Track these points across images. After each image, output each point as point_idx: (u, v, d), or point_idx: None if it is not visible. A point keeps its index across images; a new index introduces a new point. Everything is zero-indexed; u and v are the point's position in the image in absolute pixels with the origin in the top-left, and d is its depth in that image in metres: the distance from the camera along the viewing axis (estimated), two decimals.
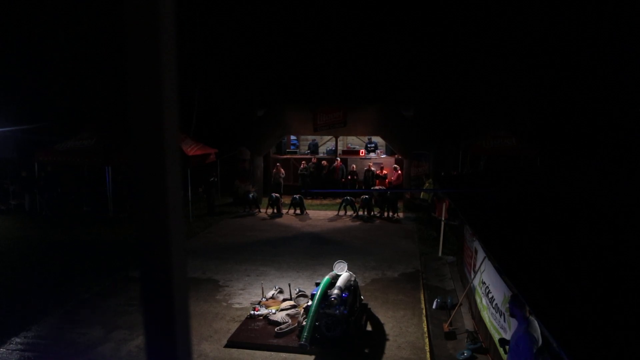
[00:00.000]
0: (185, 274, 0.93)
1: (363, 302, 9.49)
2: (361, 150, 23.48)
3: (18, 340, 8.47)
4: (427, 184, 18.70)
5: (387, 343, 8.30)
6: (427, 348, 8.11)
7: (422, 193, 18.64)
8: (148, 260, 0.89)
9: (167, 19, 0.83)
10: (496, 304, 7.40)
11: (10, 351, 8.10)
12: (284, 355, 7.92)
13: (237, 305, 9.92)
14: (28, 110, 24.10)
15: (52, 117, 23.64)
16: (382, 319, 9.21)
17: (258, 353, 7.97)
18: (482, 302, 8.43)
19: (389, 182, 20.72)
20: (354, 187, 20.67)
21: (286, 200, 20.61)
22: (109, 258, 13.20)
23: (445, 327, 8.69)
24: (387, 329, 8.85)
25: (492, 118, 23.76)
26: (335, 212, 18.98)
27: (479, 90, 25.34)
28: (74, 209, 19.16)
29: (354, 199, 19.01)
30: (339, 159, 22.22)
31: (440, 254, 13.21)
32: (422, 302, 10.10)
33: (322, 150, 24.77)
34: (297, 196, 19.19)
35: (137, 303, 10.05)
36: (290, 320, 8.75)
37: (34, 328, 8.91)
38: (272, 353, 7.97)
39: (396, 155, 22.07)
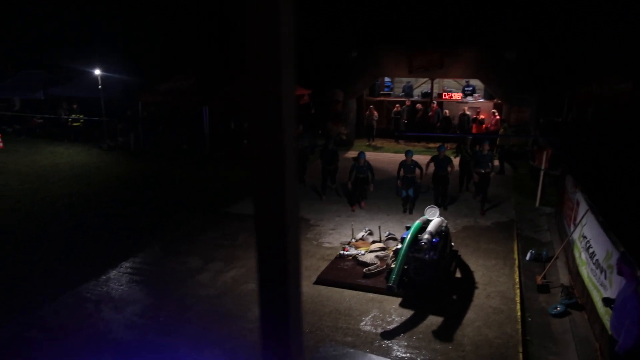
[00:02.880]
0: (297, 210, 0.98)
1: (453, 248, 9.44)
2: (457, 94, 22.57)
3: (127, 264, 9.41)
4: (501, 130, 17.77)
5: (476, 291, 8.27)
6: (518, 299, 7.98)
7: (498, 140, 17.81)
8: (263, 196, 0.95)
9: None
10: (597, 260, 7.06)
11: (121, 274, 9.04)
12: (371, 295, 8.16)
13: (327, 245, 10.25)
14: (133, 55, 25.46)
15: (155, 61, 24.86)
16: (472, 267, 9.13)
17: (346, 292, 8.27)
18: (580, 256, 8.08)
19: (486, 128, 19.87)
20: (448, 131, 20.04)
21: (378, 143, 20.58)
22: (207, 194, 14.04)
23: (539, 279, 8.47)
24: (477, 277, 8.78)
25: (605, 61, 21.66)
26: (428, 156, 18.57)
27: (590, 29, 23.04)
28: (174, 146, 20.34)
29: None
30: (434, 102, 21.57)
31: (537, 204, 12.68)
32: (515, 252, 9.86)
33: (416, 92, 24.10)
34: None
35: (232, 238, 10.71)
36: (379, 262, 8.94)
37: (140, 255, 9.83)
38: (360, 293, 8.23)
39: (495, 100, 21.02)
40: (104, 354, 6.60)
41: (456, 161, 13.64)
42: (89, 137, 21.52)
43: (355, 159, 12.67)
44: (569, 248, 9.08)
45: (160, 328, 7.25)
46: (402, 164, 12.14)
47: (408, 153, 12.23)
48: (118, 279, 8.84)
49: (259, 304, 1.03)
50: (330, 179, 13.86)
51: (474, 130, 19.67)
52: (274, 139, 0.92)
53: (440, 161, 12.15)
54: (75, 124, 22.22)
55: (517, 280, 8.67)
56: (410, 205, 12.32)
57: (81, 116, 22.15)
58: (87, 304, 7.93)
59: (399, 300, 7.92)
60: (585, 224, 8.04)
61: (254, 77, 0.91)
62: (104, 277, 8.83)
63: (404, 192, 12.13)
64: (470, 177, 13.36)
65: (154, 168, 17.35)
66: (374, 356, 6.51)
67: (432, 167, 12.36)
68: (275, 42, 0.88)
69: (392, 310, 7.68)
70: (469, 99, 22.33)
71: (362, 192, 12.74)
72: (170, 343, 6.84)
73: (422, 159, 18.58)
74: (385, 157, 19.07)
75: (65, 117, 22.20)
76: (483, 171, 12.20)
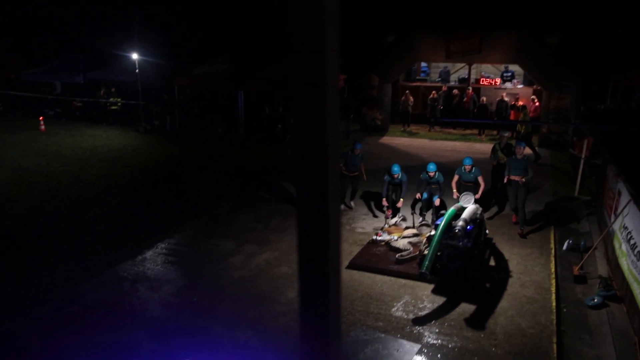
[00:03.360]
0: (338, 195, 0.97)
1: (488, 236, 9.30)
2: (496, 80, 22.05)
3: (162, 245, 9.62)
4: (521, 116, 17.27)
5: (510, 280, 8.14)
6: (553, 290, 7.83)
7: (517, 126, 17.34)
8: (306, 180, 0.95)
9: None
10: (639, 252, 6.84)
11: (156, 254, 9.25)
12: (403, 281, 8.13)
13: (359, 230, 10.24)
14: (170, 40, 25.74)
15: (191, 46, 25.08)
16: (507, 255, 8.98)
17: (378, 277, 8.26)
18: (621, 247, 7.84)
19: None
20: (485, 118, 19.60)
21: (413, 129, 20.36)
22: (241, 178, 14.17)
23: (576, 270, 8.27)
24: (511, 265, 8.64)
25: None
26: (464, 142, 18.30)
27: (638, 11, 22.05)
28: (209, 130, 20.58)
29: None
30: (470, 88, 21.14)
31: (576, 193, 12.33)
32: (552, 242, 9.64)
33: (453, 78, 23.65)
34: None
35: (265, 221, 10.81)
36: (411, 248, 8.88)
37: (175, 236, 10.03)
38: (392, 278, 8.21)
39: (534, 86, 20.45)
40: (140, 331, 6.79)
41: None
42: (126, 121, 21.97)
43: (351, 150, 11.32)
44: (608, 239, 8.82)
45: (194, 308, 7.41)
46: (460, 172, 10.45)
47: (466, 161, 10.40)
48: (154, 259, 9.06)
49: (299, 290, 1.02)
50: (352, 189, 11.46)
51: (511, 117, 19.21)
52: (318, 124, 0.91)
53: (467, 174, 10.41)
54: (113, 107, 22.72)
55: (553, 270, 8.49)
56: (425, 212, 10.74)
57: (119, 100, 22.62)
58: (124, 283, 8.15)
59: (431, 287, 7.87)
60: (627, 215, 7.78)
61: (297, 58, 0.90)
62: (140, 257, 9.06)
63: (425, 195, 10.36)
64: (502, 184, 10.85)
65: (189, 151, 17.61)
66: (404, 342, 6.51)
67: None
68: (319, 23, 0.87)
69: (424, 297, 7.64)
70: (508, 85, 21.80)
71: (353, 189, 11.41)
72: (203, 323, 6.99)
73: (457, 145, 18.32)
74: (420, 144, 18.88)
75: (104, 100, 22.71)
76: (517, 179, 9.96)
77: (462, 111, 20.65)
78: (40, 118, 21.05)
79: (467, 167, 10.29)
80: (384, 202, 10.52)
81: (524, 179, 9.89)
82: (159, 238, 9.87)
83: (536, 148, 16.64)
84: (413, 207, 10.68)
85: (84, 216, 11.14)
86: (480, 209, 8.98)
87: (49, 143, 18.25)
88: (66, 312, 7.31)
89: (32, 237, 10.02)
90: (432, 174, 10.14)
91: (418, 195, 10.56)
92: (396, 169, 10.40)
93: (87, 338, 6.64)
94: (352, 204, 11.57)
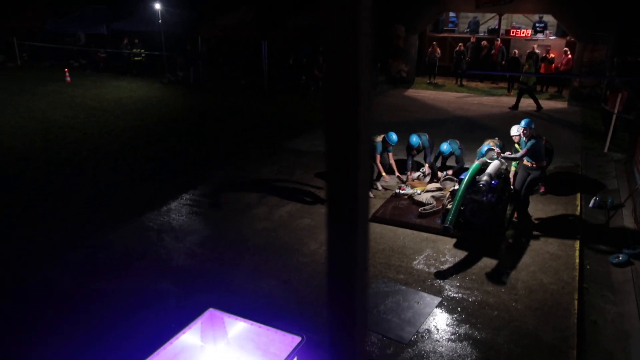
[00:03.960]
0: (368, 150, 0.94)
1: (512, 192, 9.17)
2: (527, 31, 21.24)
3: (187, 196, 9.76)
4: (526, 67, 16.66)
5: (534, 236, 8.07)
6: (577, 246, 7.75)
7: (521, 77, 16.87)
8: (336, 128, 0.92)
9: None
10: None
11: (181, 205, 9.41)
12: (425, 235, 8.14)
13: (382, 183, 10.20)
14: None
15: None
16: (531, 212, 8.88)
17: (400, 230, 8.29)
18: None
19: (556, 68, 18.73)
20: (515, 71, 18.95)
21: (440, 81, 19.92)
22: (264, 129, 14.16)
23: (603, 226, 8.15)
24: (535, 222, 8.55)
25: None
26: (492, 97, 17.88)
27: None
28: (233, 81, 20.45)
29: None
30: (499, 39, 20.43)
31: (606, 150, 12.03)
32: (578, 198, 9.49)
33: (482, 29, 22.86)
34: None
35: (288, 173, 10.85)
36: (435, 202, 8.85)
37: (199, 187, 10.16)
38: (414, 232, 8.23)
39: (568, 37, 19.65)
40: (166, 279, 6.99)
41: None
42: (150, 72, 21.97)
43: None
44: (637, 197, 8.64)
45: (218, 258, 7.57)
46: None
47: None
48: (178, 209, 9.22)
49: (327, 242, 1.01)
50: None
51: (542, 70, 18.60)
52: (349, 77, 0.88)
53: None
54: (137, 58, 22.70)
55: (578, 227, 8.39)
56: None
57: (142, 51, 22.55)
58: (150, 232, 8.35)
59: (454, 241, 7.87)
60: None
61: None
62: (165, 208, 9.23)
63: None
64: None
65: (212, 102, 17.60)
66: (425, 294, 6.57)
67: None
68: None
69: (446, 251, 7.66)
70: (539, 36, 21.00)
71: None
72: (227, 273, 7.15)
73: (483, 101, 17.91)
74: (446, 97, 18.50)
75: (128, 51, 22.68)
76: (529, 164, 8.48)
77: (490, 63, 20.05)
78: (66, 70, 21.18)
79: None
80: (404, 176, 10.01)
81: (534, 164, 8.42)
82: (184, 189, 10.01)
83: (539, 101, 16.52)
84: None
85: (109, 167, 11.33)
86: (506, 164, 8.83)
87: (75, 94, 18.42)
88: (95, 259, 7.55)
89: (61, 186, 10.27)
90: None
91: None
92: (414, 139, 9.88)
93: (115, 284, 6.88)
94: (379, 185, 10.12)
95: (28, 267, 7.31)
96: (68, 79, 20.60)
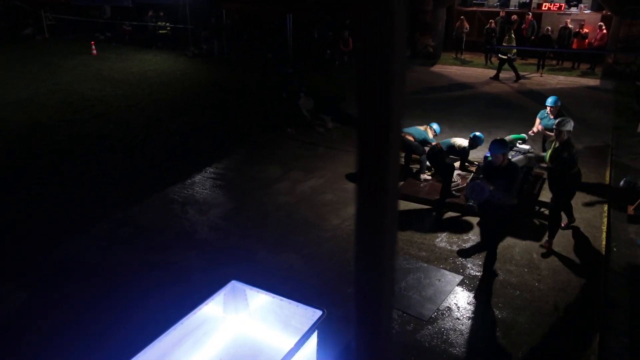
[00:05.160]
0: (400, 116, 0.91)
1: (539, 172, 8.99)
2: (560, 4, 20.54)
3: (211, 170, 9.84)
4: (506, 37, 16.21)
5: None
6: (604, 228, 7.60)
7: (502, 48, 16.57)
8: (369, 102, 0.89)
9: None
10: None
11: (205, 178, 9.49)
12: (448, 212, 8.08)
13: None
14: None
15: None
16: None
17: (423, 207, 8.23)
18: None
19: (589, 43, 18.12)
20: (547, 46, 18.36)
21: (467, 57, 19.50)
22: (288, 103, 14.08)
23: (630, 209, 7.96)
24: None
25: None
26: (522, 73, 17.41)
27: None
28: (258, 55, 20.33)
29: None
30: (530, 13, 19.81)
31: (639, 129, 11.67)
32: (607, 179, 9.26)
33: (513, 2, 22.16)
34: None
35: (312, 148, 10.82)
36: (459, 180, 8.73)
37: (223, 161, 10.22)
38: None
39: (604, 12, 18.95)
40: (189, 252, 7.10)
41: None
42: (175, 45, 21.98)
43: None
44: None
45: (241, 231, 7.64)
46: (542, 115, 8.50)
47: (550, 100, 8.31)
48: (202, 183, 9.30)
49: (356, 215, 0.99)
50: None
51: (574, 46, 18.02)
52: (383, 45, 0.84)
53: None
54: (161, 31, 22.71)
55: (606, 208, 8.21)
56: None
57: (167, 24, 22.54)
58: (174, 205, 8.45)
59: (477, 219, 7.78)
60: None
61: None
62: (189, 181, 9.32)
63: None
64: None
65: (237, 76, 17.57)
66: (447, 272, 6.55)
67: None
68: None
69: (469, 229, 7.59)
70: (573, 10, 20.28)
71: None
72: (250, 246, 7.22)
73: (512, 77, 17.47)
74: (473, 72, 18.13)
75: (152, 24, 22.69)
76: (545, 165, 7.56)
77: (519, 38, 19.49)
78: (92, 43, 21.32)
79: (550, 109, 8.27)
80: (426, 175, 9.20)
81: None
82: (207, 162, 10.08)
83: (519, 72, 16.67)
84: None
85: (135, 141, 11.45)
86: (529, 146, 8.64)
87: (101, 67, 18.56)
88: (120, 231, 7.69)
89: (86, 159, 10.44)
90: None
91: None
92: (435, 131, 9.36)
93: (139, 256, 7.00)
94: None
95: (52, 239, 7.48)
96: (94, 52, 20.75)
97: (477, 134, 8.51)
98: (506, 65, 16.57)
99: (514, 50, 16.26)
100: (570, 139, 6.79)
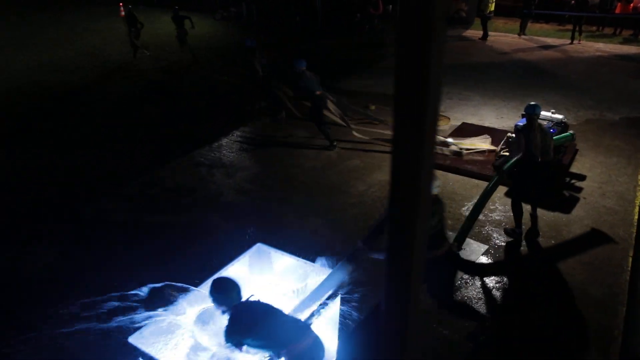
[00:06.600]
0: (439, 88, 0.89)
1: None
2: None
3: (238, 133, 9.92)
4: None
5: (590, 189, 7.75)
6: (637, 202, 7.41)
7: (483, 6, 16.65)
8: (407, 66, 0.87)
9: None
10: None
11: (232, 142, 9.56)
12: (476, 181, 7.98)
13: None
14: None
15: None
16: (589, 164, 8.50)
17: (450, 175, 8.14)
18: None
19: (634, 8, 17.25)
20: (586, 11, 17.61)
21: (500, 23, 18.88)
22: (316, 69, 13.92)
23: None
24: (594, 174, 8.19)
25: None
26: (558, 39, 16.82)
27: None
28: (287, 18, 20.05)
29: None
30: None
31: None
32: None
33: None
34: None
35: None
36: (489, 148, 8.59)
37: (250, 125, 10.27)
38: (464, 178, 8.08)
39: None
40: (215, 214, 7.20)
41: None
42: (203, 7, 21.82)
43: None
44: None
45: (267, 195, 7.70)
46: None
47: None
48: (229, 146, 9.36)
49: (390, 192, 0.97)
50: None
51: (617, 10, 17.21)
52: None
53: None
54: None
55: None
56: None
57: None
58: (201, 168, 8.54)
59: (505, 189, 7.67)
60: None
61: None
62: (216, 144, 9.38)
63: None
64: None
65: (263, 40, 17.40)
66: (472, 241, 6.51)
67: None
68: None
69: (496, 199, 7.49)
70: None
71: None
72: (275, 209, 7.28)
73: (549, 41, 16.89)
74: (506, 39, 17.58)
75: None
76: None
77: (557, 3, 18.73)
78: (120, 4, 21.30)
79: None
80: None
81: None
82: (235, 126, 10.13)
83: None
84: None
85: (162, 103, 11.54)
86: (562, 115, 8.41)
87: None
88: (148, 193, 7.83)
89: (114, 122, 10.58)
90: None
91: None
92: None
93: (166, 217, 7.14)
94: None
95: (81, 198, 7.67)
96: (122, 13, 20.75)
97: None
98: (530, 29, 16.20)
99: (491, 8, 16.33)
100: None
